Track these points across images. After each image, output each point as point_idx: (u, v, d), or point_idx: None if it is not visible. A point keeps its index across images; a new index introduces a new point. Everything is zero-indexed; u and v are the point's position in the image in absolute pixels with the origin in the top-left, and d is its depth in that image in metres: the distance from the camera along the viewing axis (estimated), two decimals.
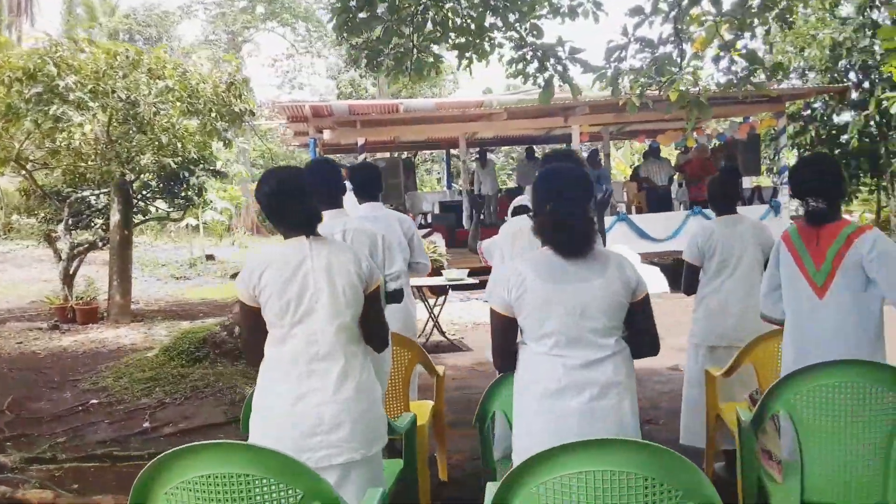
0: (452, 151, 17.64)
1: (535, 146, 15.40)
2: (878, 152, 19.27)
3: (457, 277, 7.71)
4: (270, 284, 2.24)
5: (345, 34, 4.95)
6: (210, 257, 17.63)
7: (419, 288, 8.17)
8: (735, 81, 5.29)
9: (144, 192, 10.21)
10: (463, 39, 5.39)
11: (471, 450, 4.53)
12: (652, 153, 12.22)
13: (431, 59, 5.42)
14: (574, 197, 2.19)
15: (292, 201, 2.31)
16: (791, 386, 2.36)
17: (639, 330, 2.26)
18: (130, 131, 8.44)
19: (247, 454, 1.81)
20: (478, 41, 5.37)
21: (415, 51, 5.44)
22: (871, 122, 18.91)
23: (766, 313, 3.01)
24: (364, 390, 2.30)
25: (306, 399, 2.23)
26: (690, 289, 3.89)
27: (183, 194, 10.01)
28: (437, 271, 11.14)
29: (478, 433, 2.96)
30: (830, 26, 17.36)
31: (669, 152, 14.83)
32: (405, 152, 17.36)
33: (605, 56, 5.41)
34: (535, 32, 5.27)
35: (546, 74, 5.28)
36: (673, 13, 5.37)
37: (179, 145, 8.85)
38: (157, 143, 8.60)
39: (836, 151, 19.70)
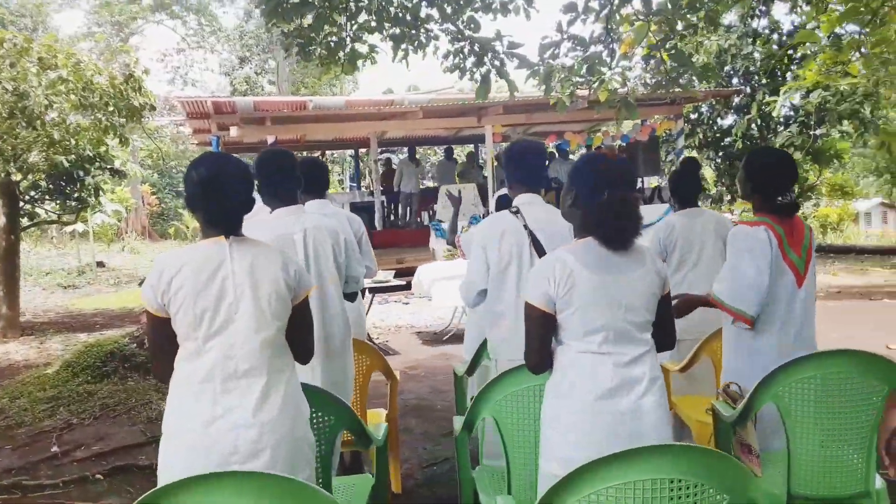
0: (360, 151, 17.35)
1: (452, 147, 15.37)
2: None
3: (382, 280, 7.49)
4: (182, 291, 1.95)
5: (275, 21, 4.65)
6: (100, 264, 16.49)
7: None
8: (664, 82, 5.40)
9: (32, 194, 9.33)
10: (398, 30, 5.21)
11: (418, 458, 4.38)
12: (560, 154, 12.44)
13: (366, 50, 5.20)
14: (630, 184, 2.11)
15: (216, 193, 2.01)
16: (781, 378, 2.35)
17: (664, 324, 2.18)
18: (17, 126, 7.67)
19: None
20: (413, 32, 5.21)
21: (349, 41, 5.21)
22: (753, 126, 20.26)
23: (749, 312, 2.76)
24: (288, 409, 2.03)
25: (221, 421, 1.95)
26: None
27: (77, 195, 9.21)
28: None
29: (455, 440, 2.81)
30: (717, 34, 18.35)
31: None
32: (311, 152, 16.88)
33: (538, 53, 5.40)
34: (472, 26, 5.17)
35: (483, 69, 5.19)
36: (604, 12, 5.42)
37: (73, 142, 8.14)
38: (47, 139, 7.87)
39: (721, 153, 20.96)
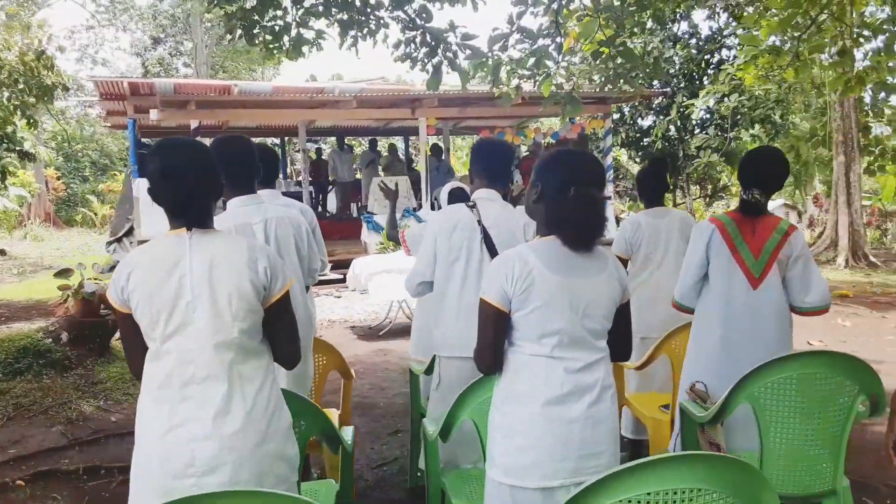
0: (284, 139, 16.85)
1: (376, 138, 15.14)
2: (677, 154, 21.46)
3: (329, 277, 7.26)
4: (139, 288, 1.82)
5: (217, 1, 4.39)
6: (2, 252, 15.37)
7: None
8: (612, 78, 5.44)
9: None
10: (346, 16, 5.03)
11: (367, 459, 4.25)
12: None
13: (313, 36, 4.99)
14: (598, 182, 2.00)
15: (176, 182, 1.84)
16: (758, 379, 2.37)
17: (621, 333, 2.11)
18: None
19: None
20: (363, 19, 5.04)
21: (294, 25, 4.99)
22: (672, 127, 21.02)
23: (686, 303, 3.00)
24: (257, 421, 1.85)
25: (179, 430, 1.80)
26: None
27: None
28: None
29: (423, 441, 2.71)
30: (640, 37, 18.84)
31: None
32: None
33: (488, 44, 5.33)
34: (423, 15, 5.04)
35: (435, 60, 5.08)
36: (553, 5, 5.41)
37: None
38: None
39: (640, 153, 21.64)
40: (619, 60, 5.21)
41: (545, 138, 13.50)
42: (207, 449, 1.78)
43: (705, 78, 19.52)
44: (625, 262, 3.92)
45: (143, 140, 13.45)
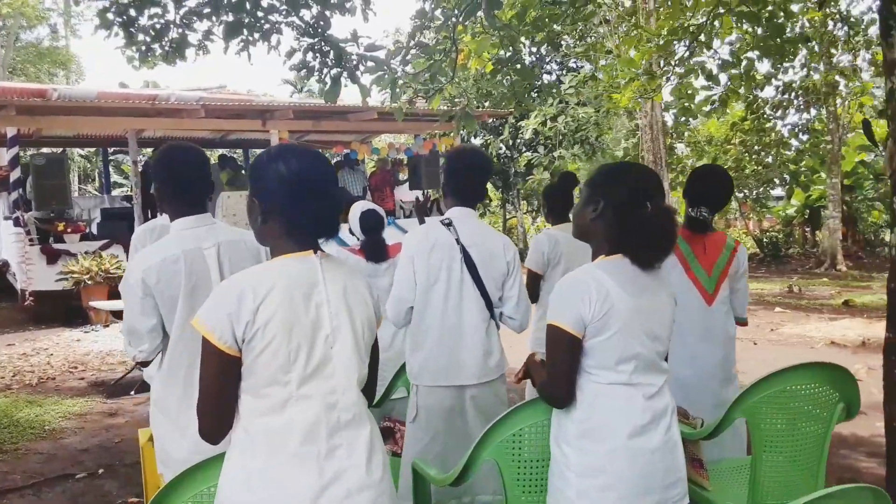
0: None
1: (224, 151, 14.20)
2: (508, 172, 22.48)
3: None
4: (274, 322, 1.51)
5: None
6: None
7: None
8: (508, 96, 5.48)
9: None
10: (232, 18, 4.60)
11: None
12: (347, 163, 12.19)
13: (198, 39, 4.51)
14: (663, 194, 1.91)
15: (311, 196, 1.60)
16: (755, 393, 2.41)
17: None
18: None
19: None
20: (254, 22, 4.63)
21: (174, 25, 4.47)
22: (503, 146, 21.98)
23: None
24: (385, 460, 1.70)
25: (333, 489, 1.54)
26: (534, 297, 3.83)
27: None
28: None
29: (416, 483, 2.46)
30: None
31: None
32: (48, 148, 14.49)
33: (386, 58, 5.15)
34: (322, 23, 4.74)
35: (334, 71, 4.79)
36: (450, 21, 5.35)
37: None
38: None
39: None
40: (514, 78, 5.25)
41: (399, 154, 13.43)
42: (365, 500, 1.58)
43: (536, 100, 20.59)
44: (538, 278, 3.89)
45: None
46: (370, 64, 4.79)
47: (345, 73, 4.84)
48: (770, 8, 5.11)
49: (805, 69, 15.50)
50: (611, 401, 1.83)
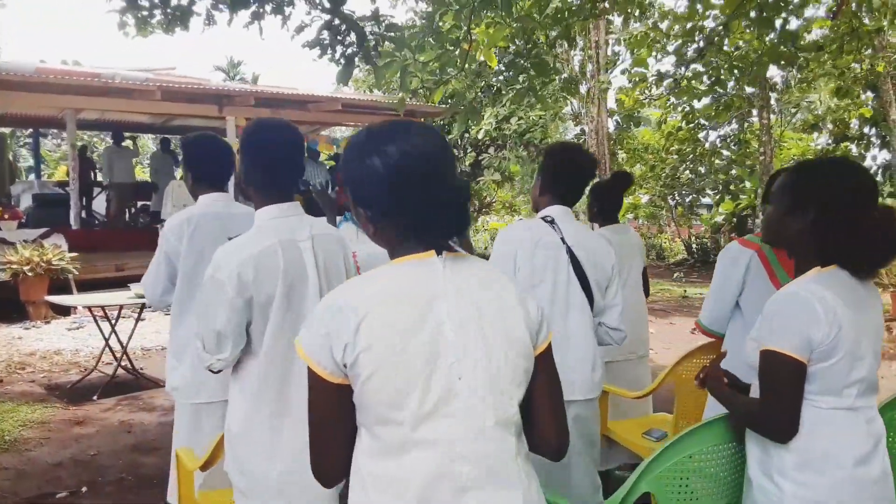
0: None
1: (169, 137, 13.40)
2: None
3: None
4: (379, 344, 1.17)
5: None
6: None
7: (90, 308, 6.22)
8: (522, 91, 5.25)
9: None
10: None
11: None
12: (311, 155, 11.66)
13: (207, 8, 4.08)
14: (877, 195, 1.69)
15: (434, 186, 1.22)
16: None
17: None
18: None
19: None
20: None
21: None
22: (455, 146, 21.83)
23: (718, 329, 2.75)
24: None
25: None
26: None
27: None
28: (66, 283, 8.75)
29: None
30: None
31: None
32: None
33: (396, 46, 4.84)
34: None
35: (350, 50, 4.44)
36: (465, 11, 5.09)
37: None
38: None
39: None
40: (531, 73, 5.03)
41: None
42: None
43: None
44: None
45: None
46: (389, 46, 4.47)
47: (360, 54, 4.51)
48: (784, 15, 5.08)
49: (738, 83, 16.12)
50: (833, 427, 1.62)
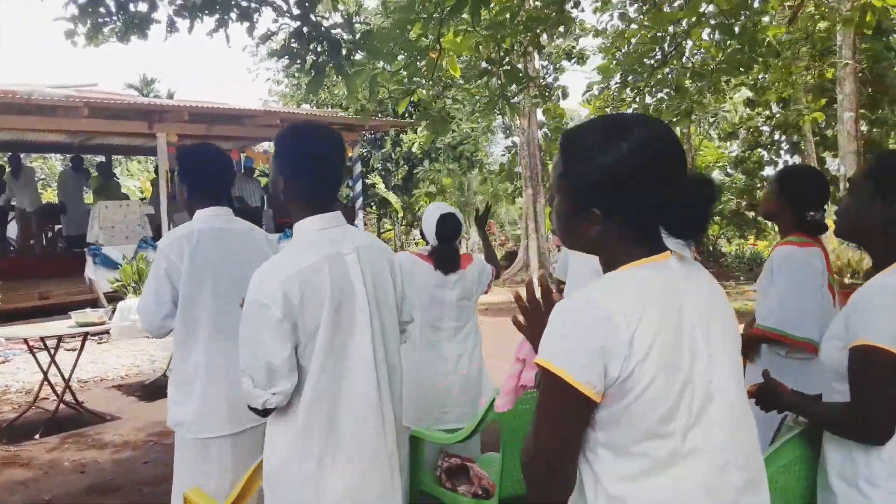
0: None
1: (81, 156, 12.63)
2: (388, 184, 22.18)
3: (91, 321, 5.60)
4: (655, 353, 1.11)
5: None
6: None
7: (26, 340, 5.69)
8: (494, 98, 5.17)
9: None
10: None
11: None
12: (246, 171, 11.26)
13: (169, 15, 3.81)
14: None
15: (674, 175, 1.19)
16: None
17: None
18: None
19: None
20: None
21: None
22: (382, 159, 21.69)
23: (815, 338, 2.51)
24: None
25: None
26: None
27: None
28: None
29: None
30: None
31: None
32: None
33: (371, 55, 4.68)
34: (306, 4, 4.18)
35: (321, 59, 4.25)
36: (434, 19, 4.97)
37: None
38: None
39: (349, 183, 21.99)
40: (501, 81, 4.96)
41: None
42: None
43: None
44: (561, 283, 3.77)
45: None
46: (362, 55, 4.30)
47: (331, 63, 4.32)
48: (742, 20, 5.21)
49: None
50: None
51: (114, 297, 9.17)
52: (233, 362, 2.43)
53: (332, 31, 4.19)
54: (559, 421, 1.15)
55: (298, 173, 1.83)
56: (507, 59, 4.90)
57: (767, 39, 5.22)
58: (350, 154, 13.43)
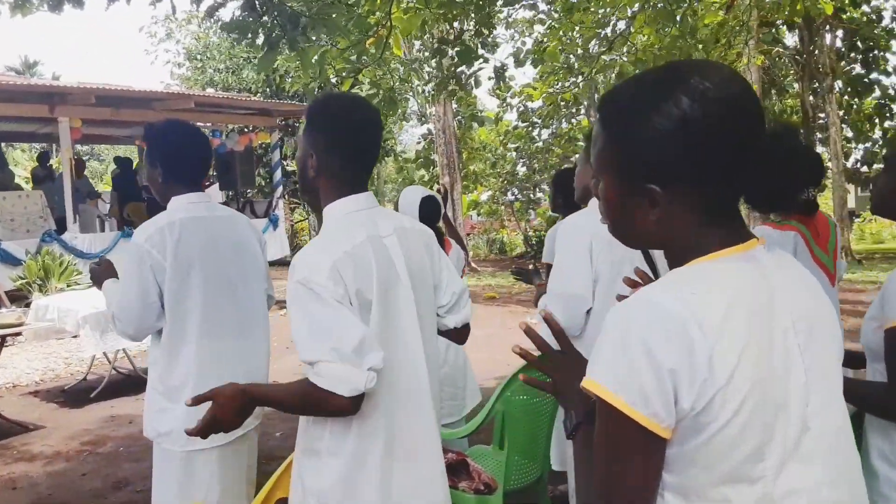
0: None
1: None
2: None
3: (8, 322, 5.08)
4: (742, 372, 0.86)
5: None
6: None
7: None
8: (445, 78, 5.03)
9: None
10: None
11: None
12: None
13: None
14: None
15: (752, 139, 0.94)
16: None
17: None
18: None
19: None
20: None
21: None
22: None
23: None
24: None
25: None
26: None
27: None
28: None
29: None
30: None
31: None
32: None
33: (328, 30, 4.45)
34: None
35: (275, 33, 3.98)
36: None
37: None
38: None
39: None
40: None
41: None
42: None
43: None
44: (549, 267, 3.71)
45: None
46: (321, 29, 4.07)
47: (285, 38, 4.07)
48: (683, 7, 5.31)
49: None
50: None
51: (17, 297, 8.46)
52: (224, 366, 2.23)
53: (286, 4, 3.93)
54: (630, 458, 0.89)
55: (335, 149, 1.64)
56: (460, 38, 4.78)
57: (707, 26, 5.34)
58: (268, 140, 12.95)
